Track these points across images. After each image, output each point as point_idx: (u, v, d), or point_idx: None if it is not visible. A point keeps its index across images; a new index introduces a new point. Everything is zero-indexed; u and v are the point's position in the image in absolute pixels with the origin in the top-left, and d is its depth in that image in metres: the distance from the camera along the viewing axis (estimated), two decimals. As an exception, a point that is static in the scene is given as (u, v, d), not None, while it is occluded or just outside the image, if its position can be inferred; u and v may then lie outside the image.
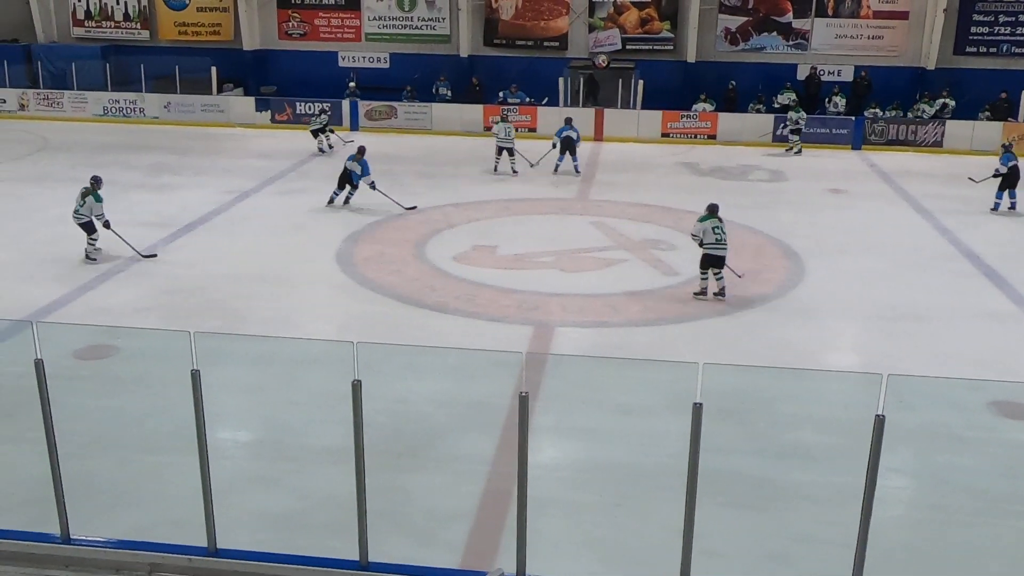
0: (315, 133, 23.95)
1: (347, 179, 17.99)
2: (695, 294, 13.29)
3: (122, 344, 10.94)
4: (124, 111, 27.81)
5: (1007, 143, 19.46)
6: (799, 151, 24.11)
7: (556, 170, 21.48)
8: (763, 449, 9.13)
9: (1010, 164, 18.27)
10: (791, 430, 9.47)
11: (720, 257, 13.06)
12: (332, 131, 24.21)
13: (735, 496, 8.05)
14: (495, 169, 21.67)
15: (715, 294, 13.23)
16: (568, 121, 21.68)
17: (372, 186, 17.83)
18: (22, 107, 28.11)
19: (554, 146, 21.44)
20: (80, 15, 30.31)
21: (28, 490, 7.69)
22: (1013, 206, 18.47)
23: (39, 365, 6.62)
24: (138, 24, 30.16)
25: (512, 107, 26.17)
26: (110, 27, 30.27)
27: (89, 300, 12.93)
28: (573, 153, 21.29)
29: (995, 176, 18.51)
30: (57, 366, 6.88)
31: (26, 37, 30.13)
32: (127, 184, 19.82)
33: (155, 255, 14.53)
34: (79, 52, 29.28)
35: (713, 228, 13.05)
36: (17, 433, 8.74)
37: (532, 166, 21.78)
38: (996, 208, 18.63)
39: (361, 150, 18.32)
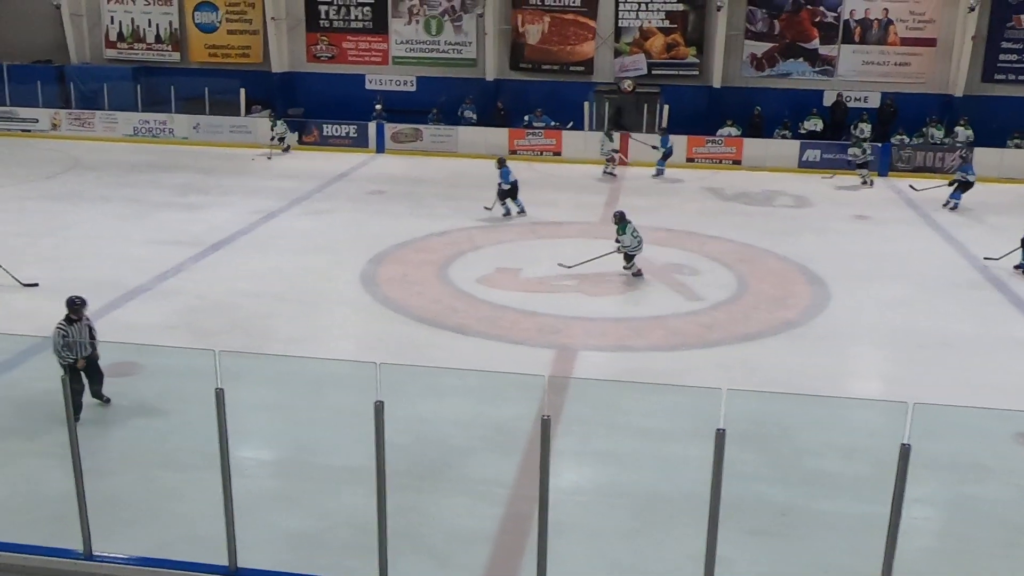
0: (277, 139, 26.14)
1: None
2: (633, 274, 15.21)
3: (147, 362, 11.03)
4: (154, 131, 28.15)
5: (966, 154, 21.61)
6: (871, 183, 23.68)
7: (661, 174, 24.23)
8: (786, 476, 9.06)
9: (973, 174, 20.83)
10: (815, 458, 9.40)
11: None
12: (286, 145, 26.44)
13: (758, 523, 7.99)
14: (608, 172, 24.29)
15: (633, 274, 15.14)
16: (664, 131, 24.84)
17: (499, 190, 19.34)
18: (54, 127, 28.53)
19: (654, 148, 24.37)
20: (113, 37, 30.77)
21: (52, 506, 7.74)
22: (956, 206, 20.78)
23: (65, 382, 6.69)
24: (169, 46, 30.58)
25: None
26: (142, 49, 30.70)
27: (116, 317, 13.04)
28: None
29: (953, 184, 20.95)
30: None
31: (60, 58, 30.59)
32: (156, 203, 20.07)
33: (36, 284, 14.20)
34: (111, 73, 29.72)
35: (632, 233, 14.99)
36: (43, 448, 8.82)
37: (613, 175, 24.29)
38: (948, 205, 20.96)
39: (500, 161, 19.70)
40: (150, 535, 7.62)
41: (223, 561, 6.86)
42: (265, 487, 8.68)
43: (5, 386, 10.66)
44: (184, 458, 8.89)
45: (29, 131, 28.53)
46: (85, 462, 6.88)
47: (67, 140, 27.78)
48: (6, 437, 9.57)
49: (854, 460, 9.23)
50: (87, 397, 9.70)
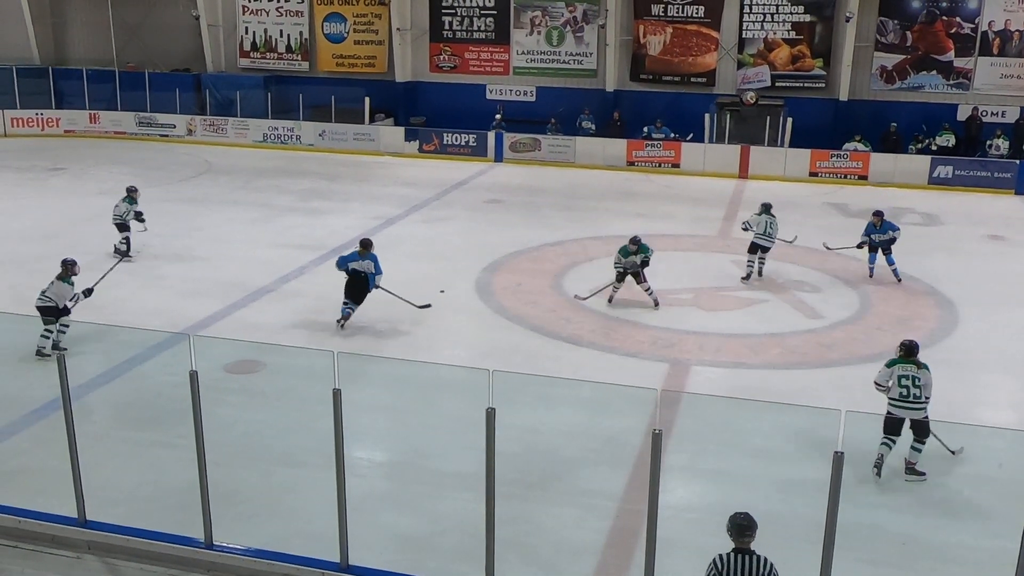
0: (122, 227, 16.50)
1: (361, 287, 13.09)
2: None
3: (268, 360, 11.40)
4: (282, 138, 29.16)
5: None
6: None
7: (898, 280, 15.77)
8: (907, 505, 8.73)
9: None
10: (938, 487, 9.02)
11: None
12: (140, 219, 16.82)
13: (875, 552, 7.72)
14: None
15: None
16: (880, 216, 16.00)
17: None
18: (190, 132, 29.86)
19: (860, 246, 16.21)
20: (247, 47, 32.00)
21: (176, 495, 8.07)
22: None
23: (194, 377, 6.96)
24: (299, 56, 31.61)
25: None
26: (273, 58, 31.83)
27: (241, 317, 13.54)
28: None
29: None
30: (208, 378, 7.22)
31: (197, 67, 32.00)
32: (281, 207, 20.75)
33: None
34: (244, 81, 30.92)
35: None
36: (169, 439, 9.19)
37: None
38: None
39: (365, 243, 13.46)
40: (267, 528, 7.86)
41: (335, 558, 7.03)
42: (377, 487, 8.84)
43: (137, 378, 11.19)
44: (301, 455, 9.14)
45: (166, 136, 29.92)
46: (208, 455, 7.16)
47: (201, 145, 29.01)
48: (137, 427, 10.02)
49: (982, 491, 8.82)
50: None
